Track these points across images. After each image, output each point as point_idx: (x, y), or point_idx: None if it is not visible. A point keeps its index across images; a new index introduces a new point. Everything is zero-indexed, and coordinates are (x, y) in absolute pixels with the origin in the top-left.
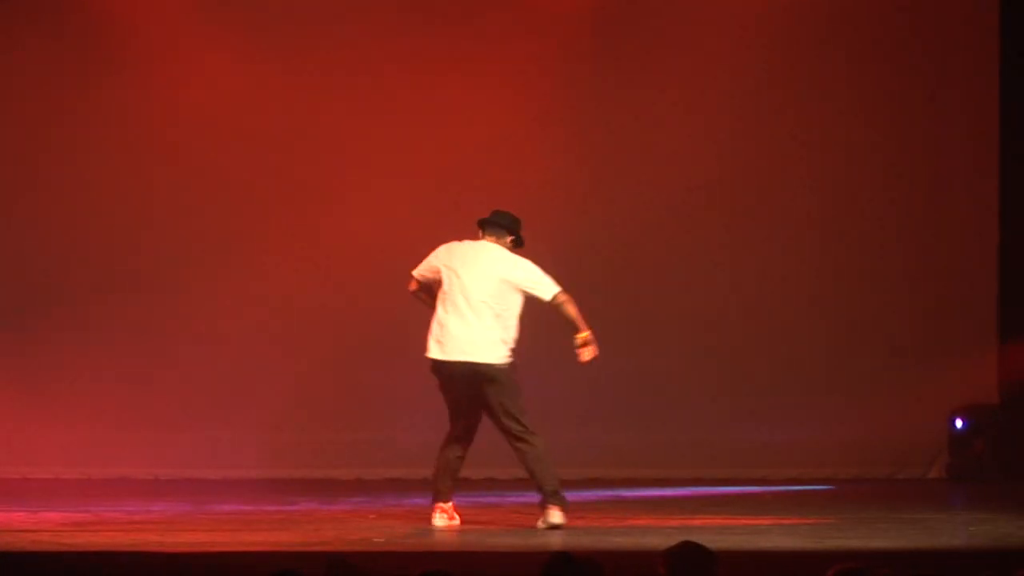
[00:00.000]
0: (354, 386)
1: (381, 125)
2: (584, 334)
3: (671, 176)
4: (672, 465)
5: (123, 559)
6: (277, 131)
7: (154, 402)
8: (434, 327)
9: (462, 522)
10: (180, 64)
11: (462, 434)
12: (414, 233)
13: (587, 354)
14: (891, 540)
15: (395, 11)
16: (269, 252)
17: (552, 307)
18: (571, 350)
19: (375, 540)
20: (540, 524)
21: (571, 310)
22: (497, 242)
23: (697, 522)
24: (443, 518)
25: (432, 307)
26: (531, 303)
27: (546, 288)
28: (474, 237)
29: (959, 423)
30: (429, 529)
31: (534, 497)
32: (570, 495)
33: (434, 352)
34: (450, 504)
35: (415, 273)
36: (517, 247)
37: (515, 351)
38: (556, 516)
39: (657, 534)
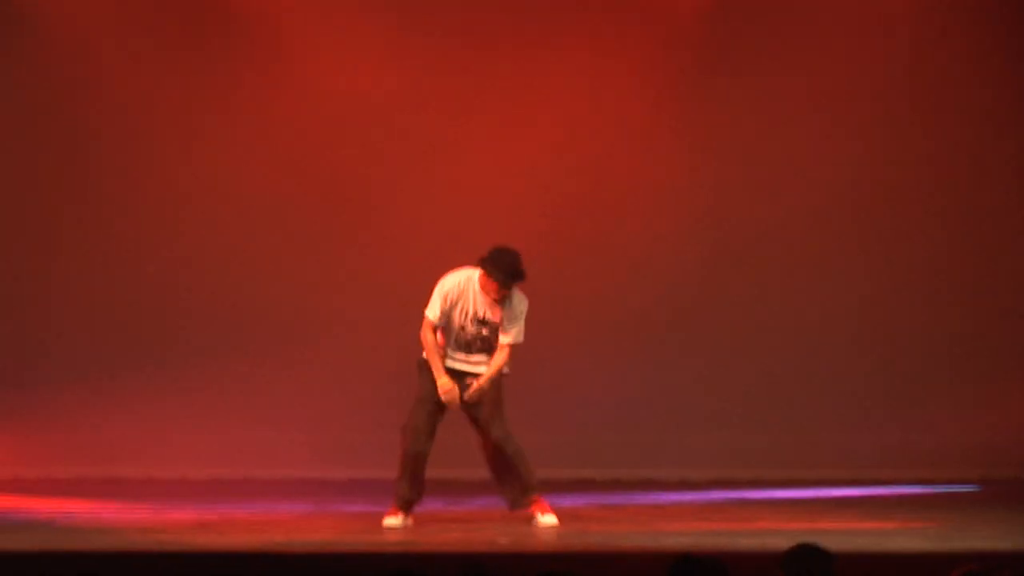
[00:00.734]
0: None
1: (495, 125)
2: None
3: (793, 176)
4: (798, 466)
5: (248, 560)
6: (413, 131)
7: (280, 403)
8: None
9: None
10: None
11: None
12: (543, 229)
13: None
14: (1017, 542)
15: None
16: (396, 248)
17: None
18: (698, 355)
19: (500, 541)
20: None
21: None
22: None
23: (823, 524)
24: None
25: None
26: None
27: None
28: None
29: None
30: (553, 530)
31: (661, 497)
32: (696, 496)
33: None
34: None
35: None
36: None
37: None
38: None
39: (782, 536)
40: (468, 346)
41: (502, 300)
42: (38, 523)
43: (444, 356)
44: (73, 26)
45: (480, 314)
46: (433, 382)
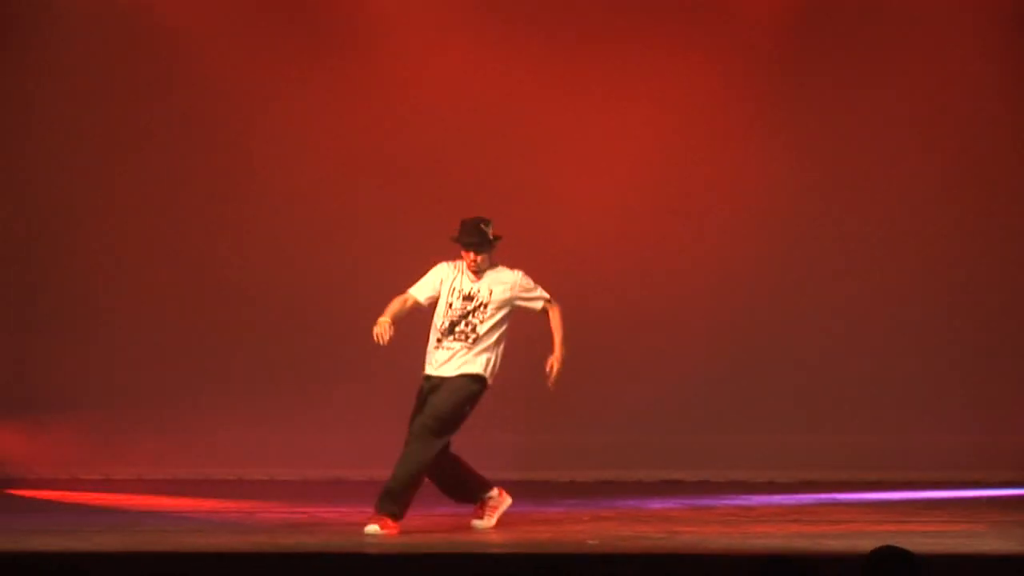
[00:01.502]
0: (566, 389)
1: (580, 125)
2: None
3: (876, 181)
4: (886, 469)
5: (338, 559)
6: (499, 131)
7: (373, 402)
8: None
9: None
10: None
11: None
12: (631, 238)
13: None
14: None
15: (599, 13)
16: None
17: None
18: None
19: (589, 542)
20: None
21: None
22: None
23: (912, 526)
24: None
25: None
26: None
27: None
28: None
29: None
30: (643, 531)
31: (744, 500)
32: (785, 498)
33: None
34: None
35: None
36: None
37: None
38: None
39: (871, 537)
40: (451, 327)
41: (476, 265)
42: (130, 523)
43: (427, 353)
44: (171, 22)
45: (467, 290)
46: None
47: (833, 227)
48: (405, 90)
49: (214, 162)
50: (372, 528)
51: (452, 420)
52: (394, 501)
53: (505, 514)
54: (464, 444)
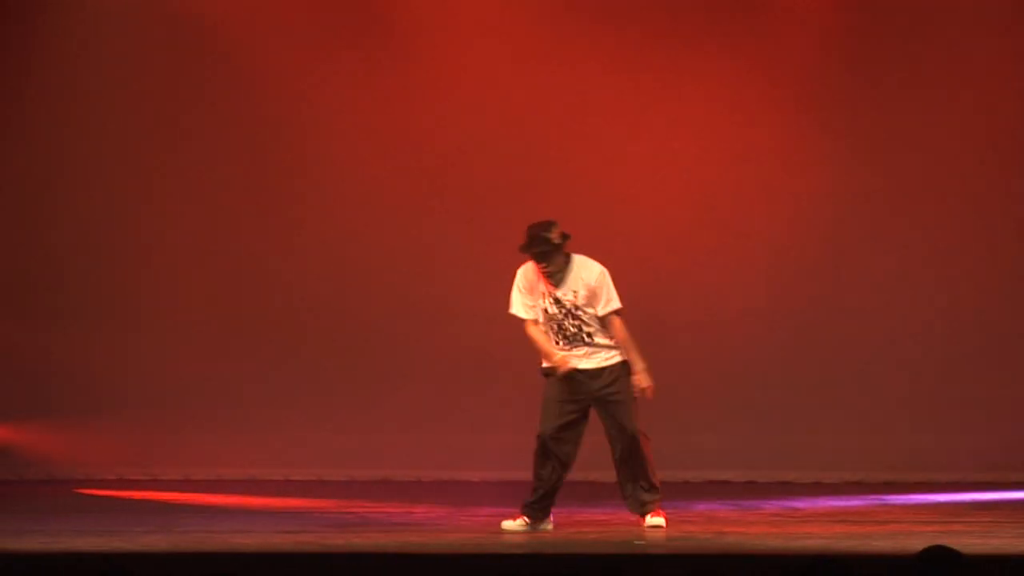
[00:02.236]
0: None
1: (636, 126)
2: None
3: (930, 184)
4: (932, 469)
5: (385, 560)
6: (553, 130)
7: (419, 404)
8: None
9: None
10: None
11: None
12: (674, 239)
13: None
14: None
15: (648, 13)
16: None
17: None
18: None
19: (636, 542)
20: None
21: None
22: None
23: (957, 527)
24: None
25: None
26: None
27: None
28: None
29: None
30: (690, 532)
31: (790, 501)
32: (831, 499)
33: None
34: None
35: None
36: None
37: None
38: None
39: (918, 537)
40: (564, 330)
41: (550, 275)
42: (172, 523)
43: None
44: (252, 37)
45: (554, 294)
46: (550, 388)
47: (884, 230)
48: (447, 89)
49: (261, 159)
50: (659, 520)
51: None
52: (656, 490)
53: (553, 514)
54: (510, 444)
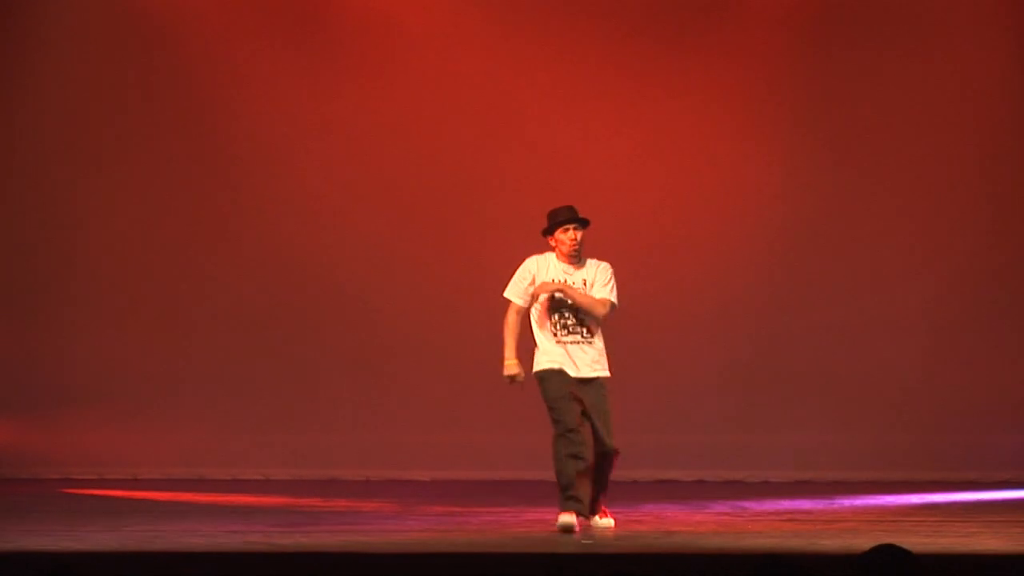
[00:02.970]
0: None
1: (617, 124)
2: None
3: (918, 179)
4: (881, 469)
5: (334, 559)
6: (538, 132)
7: (363, 403)
8: None
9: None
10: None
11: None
12: (633, 238)
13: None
14: None
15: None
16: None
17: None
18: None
19: (583, 542)
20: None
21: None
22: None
23: (906, 526)
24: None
25: None
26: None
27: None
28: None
29: None
30: (638, 531)
31: (739, 500)
32: (782, 499)
33: None
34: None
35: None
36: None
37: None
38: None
39: (866, 537)
40: (563, 321)
41: (576, 250)
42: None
43: (546, 352)
44: (200, 33)
45: (570, 276)
46: (553, 386)
47: (850, 228)
48: (422, 89)
49: (231, 156)
50: (608, 521)
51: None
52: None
53: (500, 514)
54: (457, 444)
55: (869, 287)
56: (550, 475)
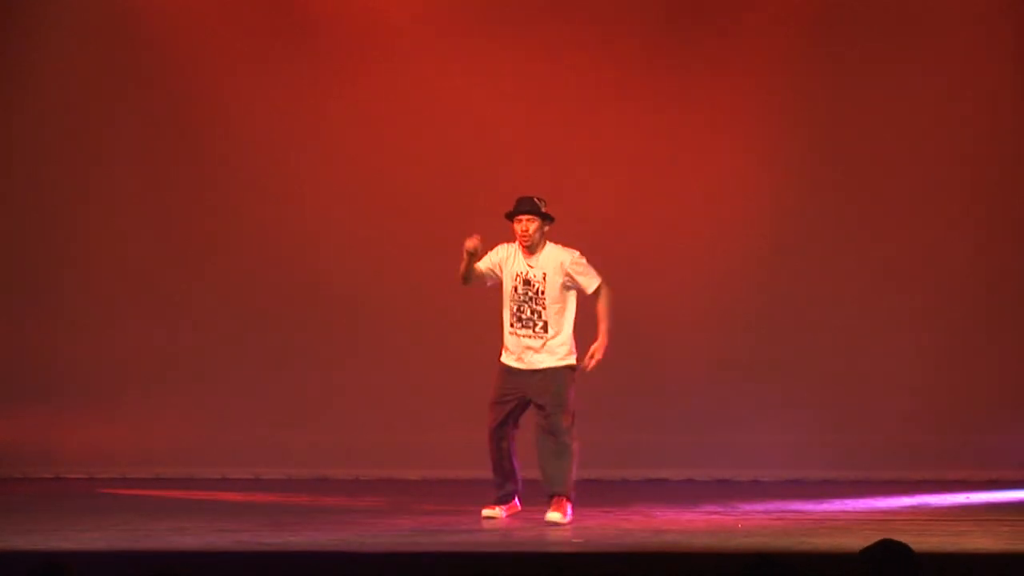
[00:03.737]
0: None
1: (594, 132)
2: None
3: (915, 178)
4: (872, 468)
5: (325, 558)
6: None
7: (351, 403)
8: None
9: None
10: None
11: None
12: (625, 237)
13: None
14: None
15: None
16: None
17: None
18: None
19: (573, 540)
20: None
21: None
22: None
23: (896, 524)
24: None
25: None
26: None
27: None
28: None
29: None
30: (628, 530)
31: (729, 499)
32: (772, 498)
33: None
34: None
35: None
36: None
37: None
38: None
39: (856, 535)
40: (519, 313)
41: (527, 240)
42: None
43: (503, 343)
44: (179, 34)
45: (524, 273)
46: (497, 383)
47: (845, 228)
48: (417, 87)
49: (219, 156)
50: (557, 515)
51: (570, 407)
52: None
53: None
54: (439, 442)
55: (862, 287)
56: (539, 473)
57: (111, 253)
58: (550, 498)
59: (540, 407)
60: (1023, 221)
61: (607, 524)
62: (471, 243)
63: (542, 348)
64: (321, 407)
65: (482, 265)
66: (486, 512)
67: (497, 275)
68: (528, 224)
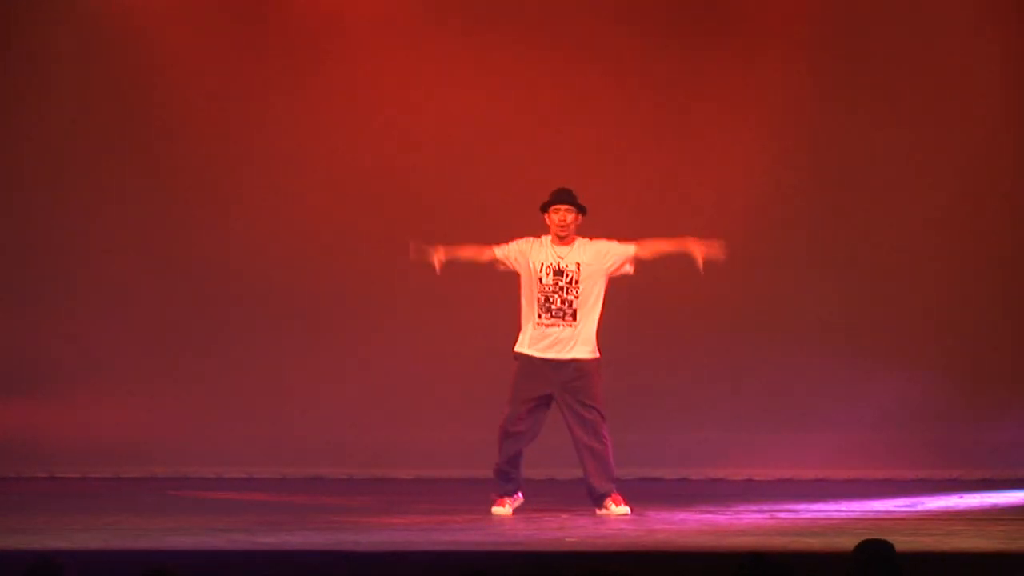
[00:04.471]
0: None
1: (590, 134)
2: None
3: (912, 181)
4: (864, 467)
5: (319, 557)
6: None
7: (344, 401)
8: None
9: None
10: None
11: None
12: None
13: None
14: None
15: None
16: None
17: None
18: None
19: (567, 539)
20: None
21: None
22: None
23: (889, 524)
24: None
25: None
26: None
27: None
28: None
29: None
30: (621, 529)
31: (722, 498)
32: (765, 498)
33: None
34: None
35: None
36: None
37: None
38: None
39: (849, 535)
40: (548, 303)
41: (563, 230)
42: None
43: (529, 336)
44: (143, 27)
45: (555, 264)
46: (520, 380)
47: (841, 227)
48: (399, 92)
49: (204, 155)
50: (622, 508)
51: (602, 400)
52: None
53: (485, 512)
54: (433, 442)
55: (858, 286)
56: (535, 473)
57: (99, 252)
58: (603, 497)
59: (575, 400)
60: (1018, 222)
61: (601, 523)
62: (437, 263)
63: (574, 338)
64: (314, 407)
65: (500, 251)
66: (496, 509)
67: (511, 265)
68: (567, 214)
